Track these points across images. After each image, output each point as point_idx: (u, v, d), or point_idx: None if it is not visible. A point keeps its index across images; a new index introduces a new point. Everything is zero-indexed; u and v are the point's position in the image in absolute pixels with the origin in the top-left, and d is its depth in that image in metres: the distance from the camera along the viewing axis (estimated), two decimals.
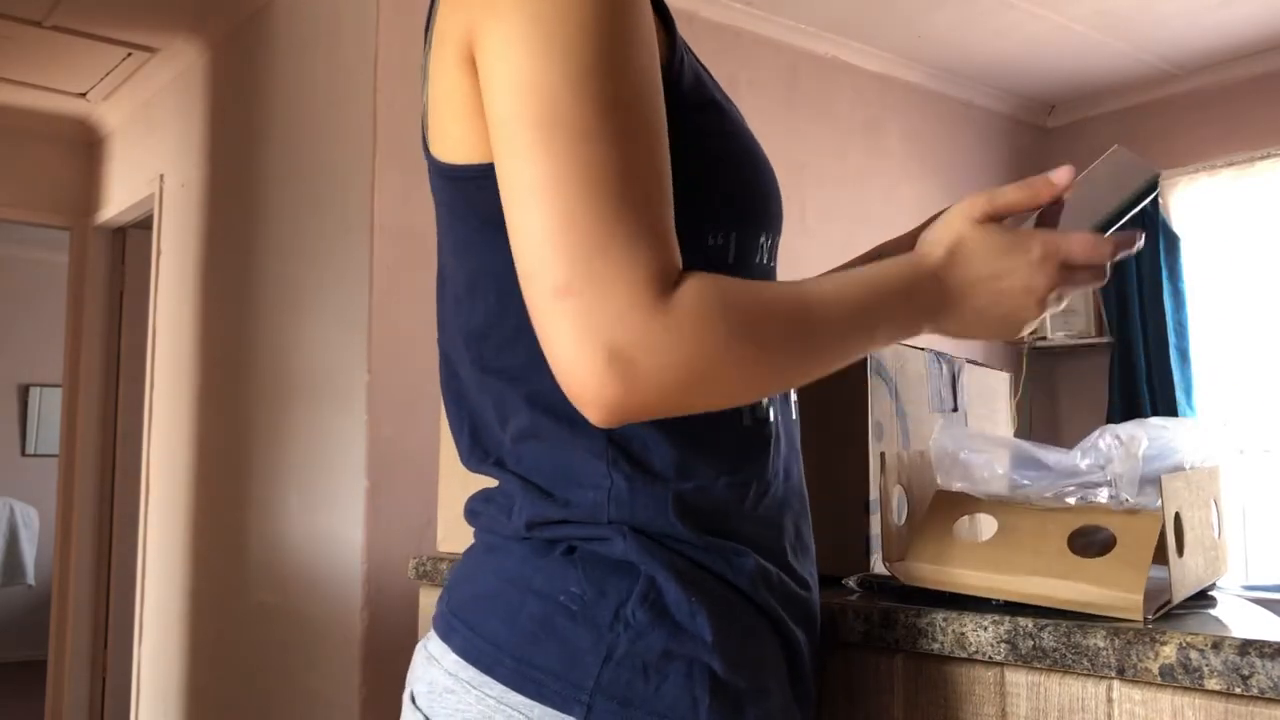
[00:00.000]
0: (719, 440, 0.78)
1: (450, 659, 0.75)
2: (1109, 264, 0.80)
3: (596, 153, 0.66)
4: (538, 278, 0.66)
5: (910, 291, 0.76)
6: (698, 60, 0.82)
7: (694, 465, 0.77)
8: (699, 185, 0.76)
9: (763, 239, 0.83)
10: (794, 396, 0.91)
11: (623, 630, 0.72)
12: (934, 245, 0.79)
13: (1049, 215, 0.85)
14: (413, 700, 0.78)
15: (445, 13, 0.74)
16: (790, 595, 0.81)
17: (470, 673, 0.74)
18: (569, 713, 0.70)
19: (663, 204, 0.68)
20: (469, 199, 0.78)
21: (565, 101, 0.66)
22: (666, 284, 0.66)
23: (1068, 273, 0.78)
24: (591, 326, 0.64)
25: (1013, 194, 0.80)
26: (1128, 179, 0.87)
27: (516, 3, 0.68)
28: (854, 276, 0.75)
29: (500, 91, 0.68)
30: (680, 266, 0.68)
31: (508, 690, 0.72)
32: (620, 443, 0.76)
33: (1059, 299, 0.80)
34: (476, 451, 0.82)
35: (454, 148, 0.77)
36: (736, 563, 0.77)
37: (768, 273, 0.86)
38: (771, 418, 0.82)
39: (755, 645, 0.76)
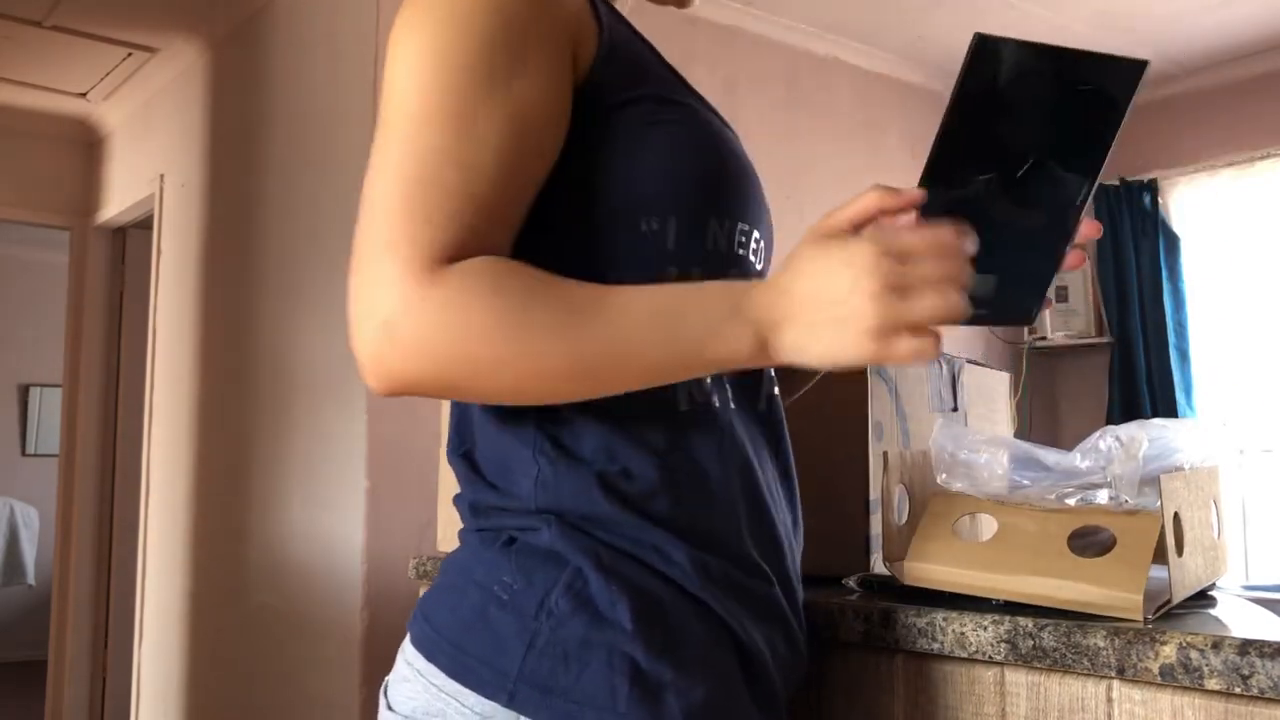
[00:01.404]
0: (651, 425, 0.78)
1: (409, 649, 0.79)
2: (960, 249, 0.70)
3: (423, 142, 0.71)
4: (354, 244, 0.74)
5: (726, 300, 0.71)
6: (652, 52, 0.85)
7: (623, 450, 0.77)
8: (631, 170, 0.78)
9: (714, 224, 0.82)
10: (775, 389, 0.89)
11: (545, 619, 0.73)
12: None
13: None
14: (384, 690, 0.81)
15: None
16: (740, 588, 0.79)
17: (420, 661, 0.77)
18: (496, 700, 0.72)
19: (477, 197, 0.71)
20: None
21: (405, 95, 0.73)
22: (441, 262, 0.69)
23: (905, 265, 0.67)
24: (365, 295, 0.70)
25: (856, 202, 0.72)
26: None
27: (403, 25, 0.75)
28: (671, 286, 0.72)
29: (385, 78, 0.75)
30: (475, 256, 0.71)
31: (447, 678, 0.74)
32: (548, 429, 0.78)
33: (908, 304, 0.67)
34: (453, 441, 0.85)
35: None
36: (666, 552, 0.76)
37: (736, 261, 0.84)
38: (716, 404, 0.81)
39: (688, 637, 0.75)
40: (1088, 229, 0.79)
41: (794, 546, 0.88)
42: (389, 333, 0.69)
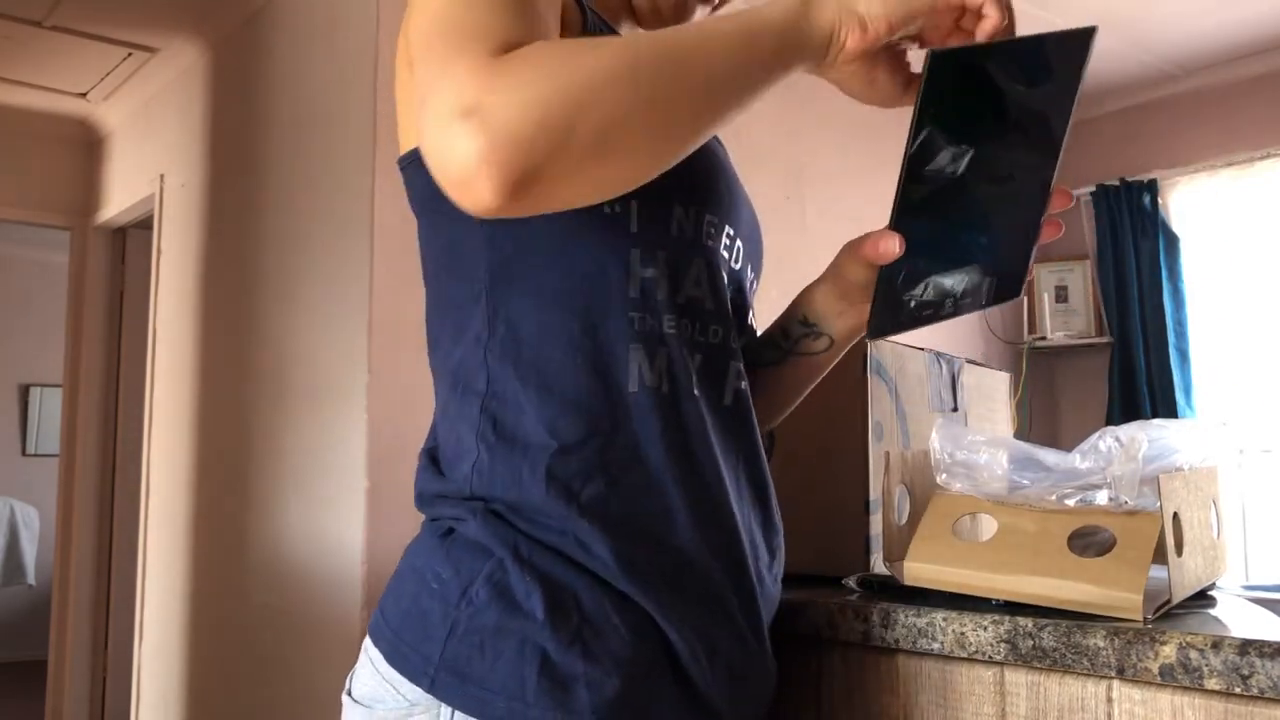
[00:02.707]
0: (596, 406, 0.77)
1: (367, 638, 0.81)
2: None
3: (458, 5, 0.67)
4: (419, 92, 0.65)
5: (762, 16, 0.71)
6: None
7: (563, 428, 0.77)
8: None
9: (679, 210, 0.81)
10: (743, 383, 0.86)
11: (465, 607, 0.75)
12: None
13: None
14: (349, 677, 0.83)
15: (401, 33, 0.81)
16: (674, 582, 0.77)
17: (371, 648, 0.80)
18: (419, 684, 0.74)
19: (523, 10, 0.68)
20: (409, 185, 0.85)
21: None
22: (507, 48, 0.64)
23: None
24: (442, 110, 0.61)
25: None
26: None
27: None
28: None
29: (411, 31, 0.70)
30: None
31: (387, 664, 0.77)
32: (492, 409, 0.79)
33: None
34: (430, 434, 0.88)
35: (403, 139, 0.84)
36: (587, 544, 0.75)
37: (704, 250, 0.83)
38: (666, 389, 0.79)
39: (605, 629, 0.74)
40: (1059, 199, 0.83)
41: (759, 542, 0.85)
42: (475, 119, 0.60)
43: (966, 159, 0.76)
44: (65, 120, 4.31)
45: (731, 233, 0.87)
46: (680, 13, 0.94)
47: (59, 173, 4.39)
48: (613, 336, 0.79)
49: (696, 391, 0.81)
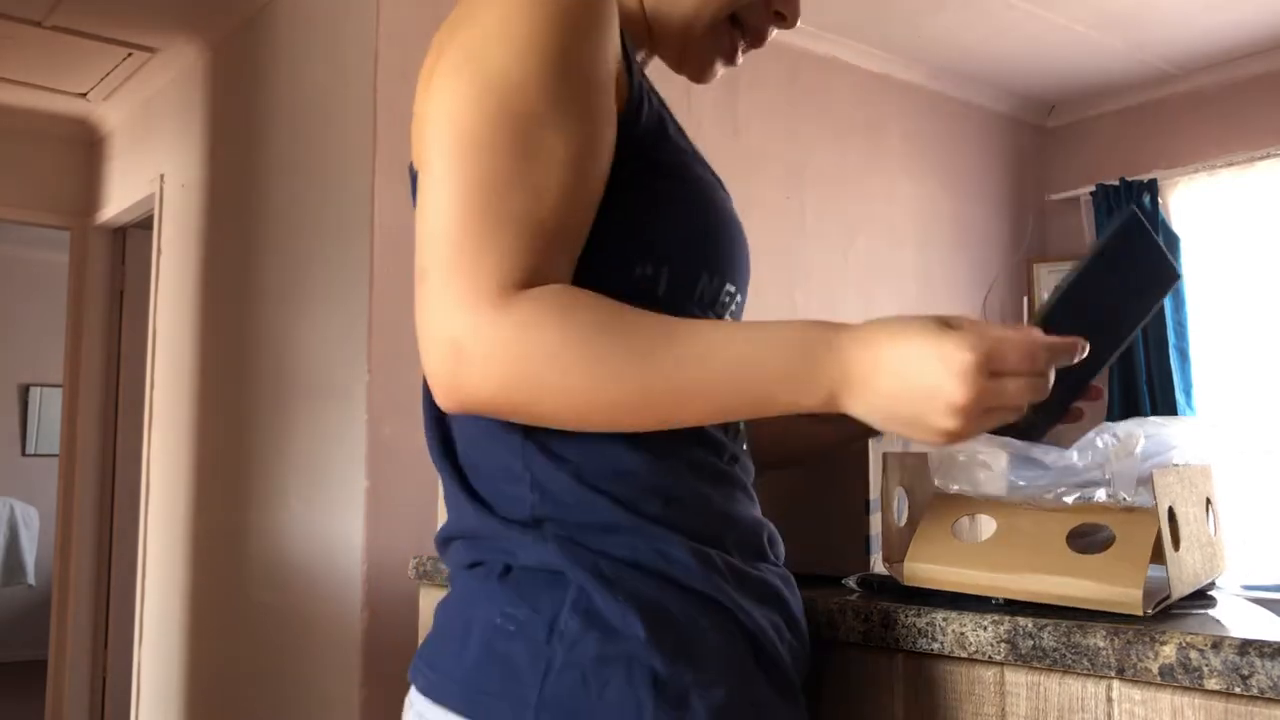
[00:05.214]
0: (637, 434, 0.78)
1: (417, 700, 0.78)
2: (1049, 373, 0.71)
3: (487, 166, 0.72)
4: (416, 263, 0.74)
5: (808, 347, 0.71)
6: (663, 106, 0.87)
7: (610, 449, 0.77)
8: (634, 217, 0.80)
9: (704, 279, 0.83)
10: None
11: (558, 642, 0.72)
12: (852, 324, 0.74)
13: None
14: None
15: (430, 55, 0.82)
16: (740, 574, 0.79)
17: (433, 710, 0.75)
18: None
19: (542, 224, 0.72)
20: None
21: (473, 118, 0.73)
22: (512, 287, 0.70)
23: (996, 383, 0.69)
24: (433, 311, 0.71)
25: (1000, 332, 0.70)
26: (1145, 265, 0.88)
27: (460, 39, 0.76)
28: (750, 324, 0.73)
29: (434, 108, 0.76)
30: (544, 283, 0.71)
31: (460, 718, 0.73)
32: (538, 435, 0.77)
33: (993, 417, 0.70)
34: (436, 445, 0.85)
35: (417, 155, 0.84)
36: (665, 551, 0.75)
37: (712, 313, 0.86)
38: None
39: (699, 635, 0.75)
40: (1093, 391, 0.91)
41: (776, 535, 0.90)
42: (459, 354, 0.70)
43: (1084, 320, 0.82)
44: (65, 120, 4.31)
45: (740, 298, 0.90)
46: (702, 71, 0.95)
47: (59, 173, 4.39)
48: None
49: (713, 426, 0.83)
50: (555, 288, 0.71)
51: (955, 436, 0.70)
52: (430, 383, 0.72)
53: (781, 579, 0.85)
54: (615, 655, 0.71)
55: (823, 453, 1.10)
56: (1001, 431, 0.82)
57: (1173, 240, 3.97)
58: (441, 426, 0.85)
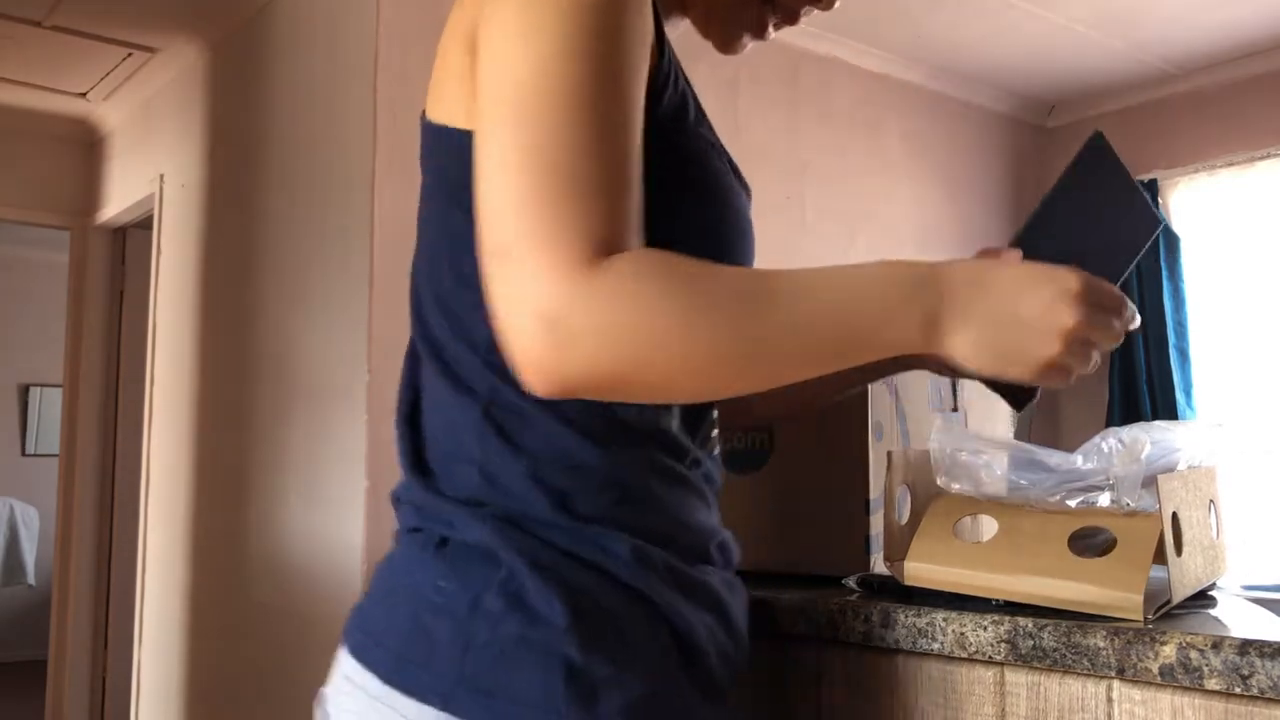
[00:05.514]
0: (599, 431, 0.77)
1: (346, 660, 0.78)
2: (1126, 322, 0.74)
3: (557, 131, 0.69)
4: (484, 242, 0.69)
5: (904, 281, 0.70)
6: (689, 88, 0.85)
7: (567, 440, 0.76)
8: (646, 205, 0.77)
9: None
10: (715, 429, 0.90)
11: (480, 620, 0.72)
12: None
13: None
14: (320, 703, 0.80)
15: (462, 11, 0.79)
16: (679, 574, 0.79)
17: (359, 672, 0.76)
18: (432, 704, 0.71)
19: (618, 187, 0.70)
20: (435, 156, 0.82)
21: (538, 82, 0.69)
22: (601, 252, 0.67)
23: (1100, 315, 0.71)
24: (519, 288, 0.66)
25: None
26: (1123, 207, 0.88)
27: (515, 15, 0.72)
28: (839, 267, 0.72)
29: (487, 74, 0.72)
30: (628, 248, 0.69)
31: (385, 686, 0.73)
32: (496, 415, 0.77)
33: (1085, 352, 0.72)
34: (402, 408, 0.84)
35: (445, 111, 0.80)
36: (603, 545, 0.75)
37: None
38: (660, 424, 0.81)
39: (623, 629, 0.74)
40: None
41: (729, 541, 0.88)
42: (552, 328, 0.65)
43: (1060, 255, 0.81)
44: (65, 120, 4.31)
45: None
46: (728, 41, 0.94)
47: (59, 173, 4.39)
48: None
49: (678, 429, 0.83)
50: (642, 250, 0.69)
51: (1052, 368, 0.71)
52: (520, 366, 0.67)
53: (725, 583, 0.84)
54: (534, 640, 0.71)
55: (827, 403, 1.10)
56: (994, 388, 0.86)
57: (1173, 239, 3.97)
58: (413, 391, 0.84)
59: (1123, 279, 0.90)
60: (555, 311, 0.65)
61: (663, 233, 0.77)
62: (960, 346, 0.71)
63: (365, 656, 0.76)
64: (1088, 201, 0.85)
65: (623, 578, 0.75)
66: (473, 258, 0.76)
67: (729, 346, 0.68)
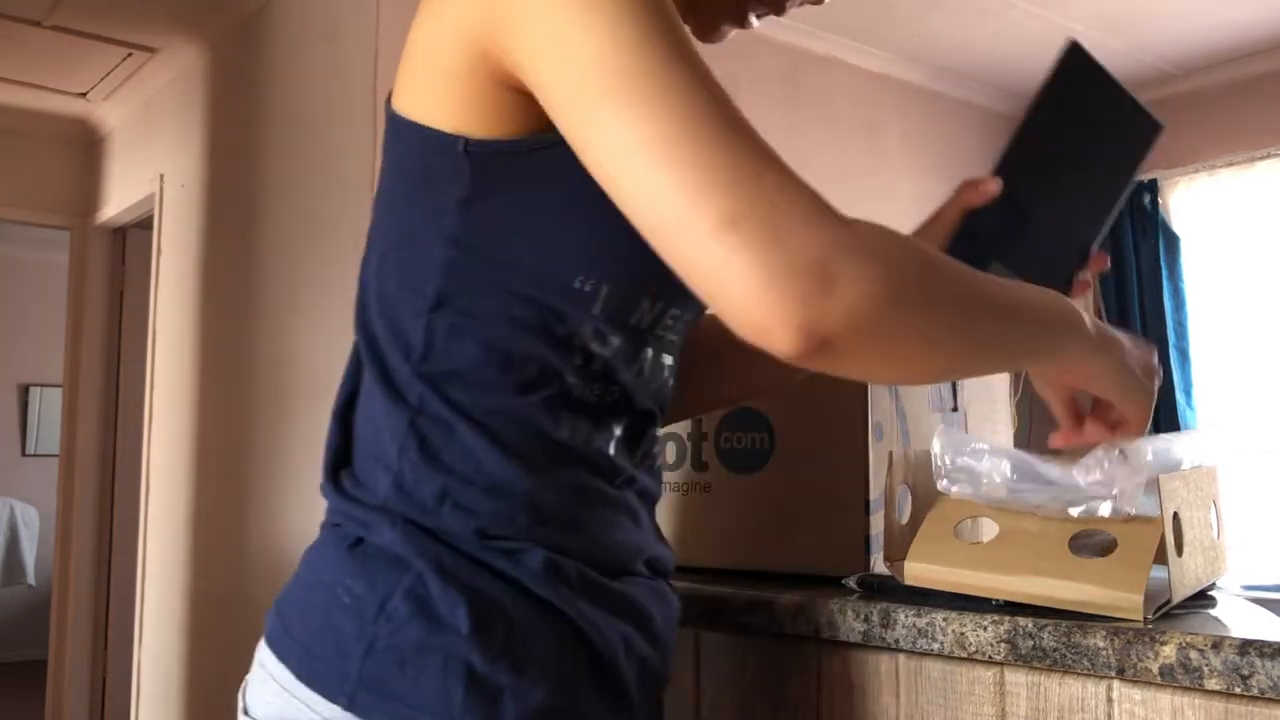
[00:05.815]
0: (528, 451, 0.75)
1: (263, 649, 0.78)
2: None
3: (686, 100, 0.64)
4: (690, 225, 0.61)
5: (1059, 305, 0.76)
6: None
7: (496, 471, 0.74)
8: (580, 224, 0.74)
9: (645, 302, 0.78)
10: (656, 445, 0.87)
11: (384, 623, 0.72)
12: None
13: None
14: (242, 692, 0.80)
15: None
16: (596, 586, 0.77)
17: (272, 662, 0.76)
18: (337, 703, 0.71)
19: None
20: (400, 140, 0.78)
21: (629, 64, 0.64)
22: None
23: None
24: (777, 242, 0.59)
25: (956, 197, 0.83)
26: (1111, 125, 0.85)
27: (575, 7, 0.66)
28: (1028, 286, 0.76)
29: (558, 77, 0.66)
30: None
31: (297, 681, 0.74)
32: (422, 427, 0.75)
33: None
34: (340, 400, 0.84)
35: (417, 106, 0.75)
36: (517, 557, 0.74)
37: (649, 339, 0.81)
38: (593, 445, 0.79)
39: (529, 638, 0.73)
40: (1097, 261, 0.91)
41: (662, 554, 0.86)
42: (823, 273, 0.59)
43: (1050, 175, 0.83)
44: (65, 120, 4.31)
45: (686, 317, 0.85)
46: (707, 30, 0.92)
47: (59, 173, 4.39)
48: (548, 396, 0.76)
49: (615, 450, 0.81)
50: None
51: (1150, 398, 0.83)
52: (784, 322, 0.59)
53: (652, 592, 0.83)
54: (436, 646, 0.71)
55: (759, 394, 1.13)
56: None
57: (1173, 239, 3.97)
58: (351, 389, 0.84)
59: (1129, 190, 0.89)
60: (823, 257, 0.59)
61: (606, 258, 0.75)
62: (1105, 360, 0.80)
63: (277, 645, 0.76)
64: (1072, 118, 0.83)
65: (533, 589, 0.74)
66: (418, 261, 0.77)
67: (975, 309, 0.68)
